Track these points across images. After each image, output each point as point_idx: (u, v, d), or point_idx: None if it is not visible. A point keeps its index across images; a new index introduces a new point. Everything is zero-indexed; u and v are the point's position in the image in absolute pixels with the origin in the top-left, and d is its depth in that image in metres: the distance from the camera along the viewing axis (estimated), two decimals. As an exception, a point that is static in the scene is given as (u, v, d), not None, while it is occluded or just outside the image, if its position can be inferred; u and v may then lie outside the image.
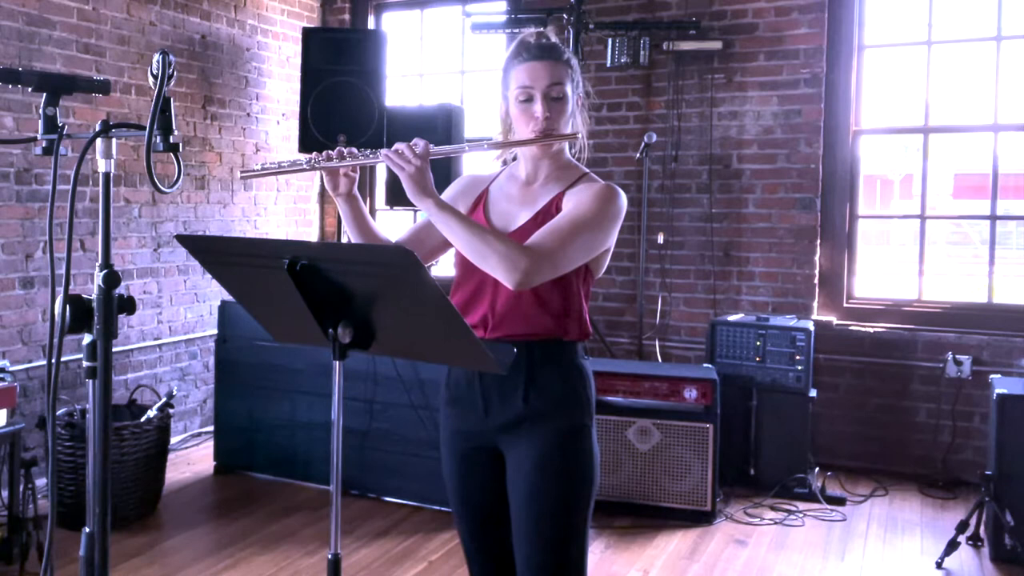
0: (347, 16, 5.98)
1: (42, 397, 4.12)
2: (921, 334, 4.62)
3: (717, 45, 4.90)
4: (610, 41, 4.90)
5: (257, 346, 4.30)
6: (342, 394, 1.67)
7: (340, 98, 4.95)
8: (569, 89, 1.90)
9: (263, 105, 5.52)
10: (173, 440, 4.65)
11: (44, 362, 4.13)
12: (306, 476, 4.27)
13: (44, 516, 3.23)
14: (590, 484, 1.88)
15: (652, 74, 5.11)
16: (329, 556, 1.66)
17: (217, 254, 1.75)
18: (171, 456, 4.28)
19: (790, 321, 4.44)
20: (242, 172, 1.95)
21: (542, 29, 1.97)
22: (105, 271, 1.58)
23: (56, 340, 1.56)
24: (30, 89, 1.66)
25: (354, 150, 1.89)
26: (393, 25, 6.10)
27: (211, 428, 4.74)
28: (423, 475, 3.94)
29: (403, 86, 5.99)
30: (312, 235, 5.99)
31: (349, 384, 3.99)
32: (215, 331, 4.67)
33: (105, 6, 4.45)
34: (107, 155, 1.63)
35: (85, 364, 1.60)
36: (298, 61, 5.24)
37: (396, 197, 5.05)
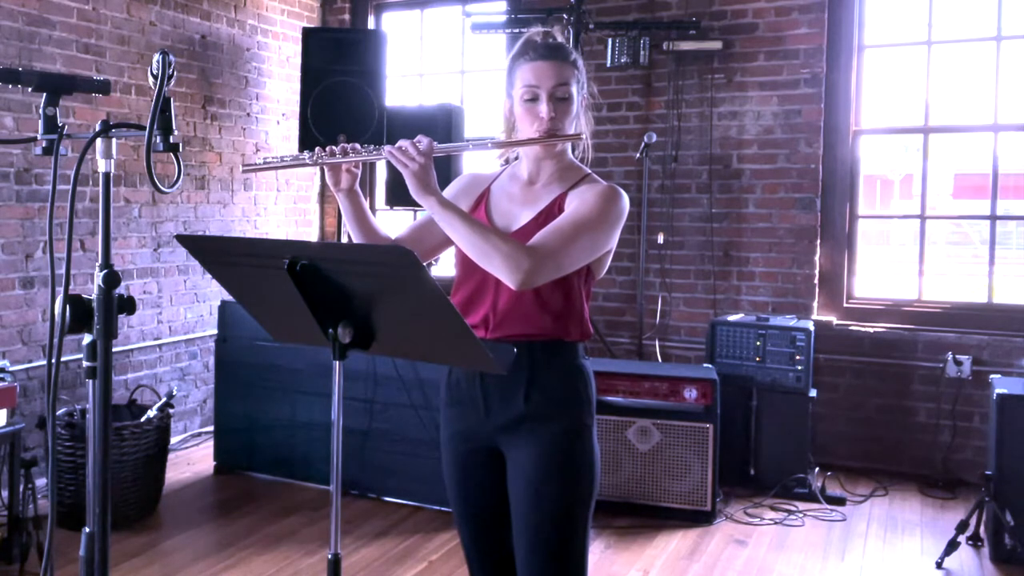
0: (347, 16, 5.98)
1: (42, 397, 4.12)
2: (921, 334, 4.62)
3: (717, 45, 4.90)
4: (610, 41, 4.90)
5: (257, 346, 4.30)
6: (342, 394, 1.67)
7: (340, 98, 4.95)
8: (575, 90, 1.90)
9: (263, 105, 5.52)
10: (173, 440, 4.65)
11: (44, 362, 4.13)
12: (306, 476, 4.27)
13: (44, 516, 3.23)
14: (591, 484, 1.88)
15: (652, 74, 5.11)
16: (329, 556, 1.66)
17: (217, 254, 1.75)
18: (171, 456, 4.28)
19: (790, 321, 4.45)
20: (244, 165, 1.95)
21: (549, 29, 1.96)
22: (105, 271, 1.58)
23: (56, 340, 1.56)
24: (30, 89, 1.66)
25: (357, 146, 1.88)
26: (393, 25, 6.10)
27: (211, 428, 4.74)
28: (423, 475, 3.94)
29: (403, 86, 5.99)
30: (312, 235, 5.99)
31: (349, 384, 3.99)
32: (215, 331, 4.67)
33: (105, 6, 4.45)
34: (107, 155, 1.63)
35: (85, 364, 1.60)
36: (298, 61, 5.24)
37: (396, 197, 5.05)
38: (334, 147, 1.88)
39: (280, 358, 4.27)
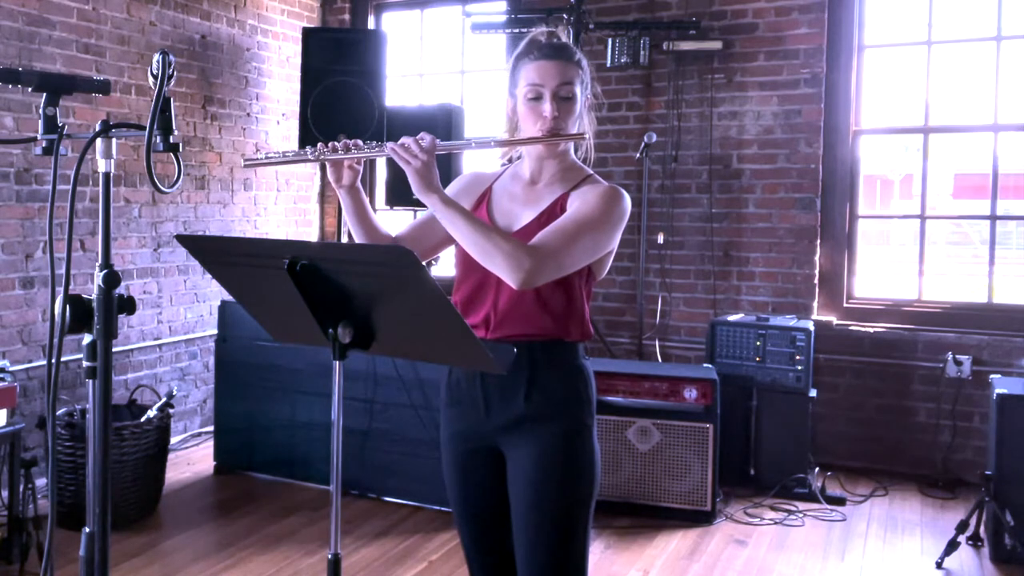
0: (347, 16, 5.98)
1: (42, 397, 4.12)
2: (921, 334, 4.62)
3: (717, 45, 4.90)
4: (610, 41, 4.90)
5: (257, 346, 4.30)
6: (342, 394, 1.67)
7: (340, 98, 4.96)
8: (578, 90, 1.90)
9: (263, 105, 5.52)
10: (173, 440, 4.65)
11: (44, 362, 4.13)
12: (306, 476, 4.27)
13: (44, 516, 3.23)
14: (591, 484, 1.88)
15: (652, 74, 5.11)
16: (329, 556, 1.66)
17: (217, 254, 1.75)
18: (171, 456, 4.27)
19: (790, 321, 4.44)
20: (245, 160, 1.95)
21: (553, 29, 1.96)
22: (105, 271, 1.58)
23: (56, 340, 1.56)
24: (30, 89, 1.66)
25: (359, 142, 1.87)
26: (393, 25, 6.10)
27: (211, 428, 4.74)
28: (423, 475, 3.94)
29: (403, 86, 5.99)
30: (312, 235, 5.99)
31: (349, 384, 3.99)
32: (215, 331, 4.67)
33: (105, 6, 4.45)
34: (107, 155, 1.63)
35: (85, 364, 1.59)
36: (298, 61, 5.24)
37: (396, 196, 5.05)
38: (336, 143, 1.87)
39: (280, 358, 4.27)
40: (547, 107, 1.86)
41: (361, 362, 4.01)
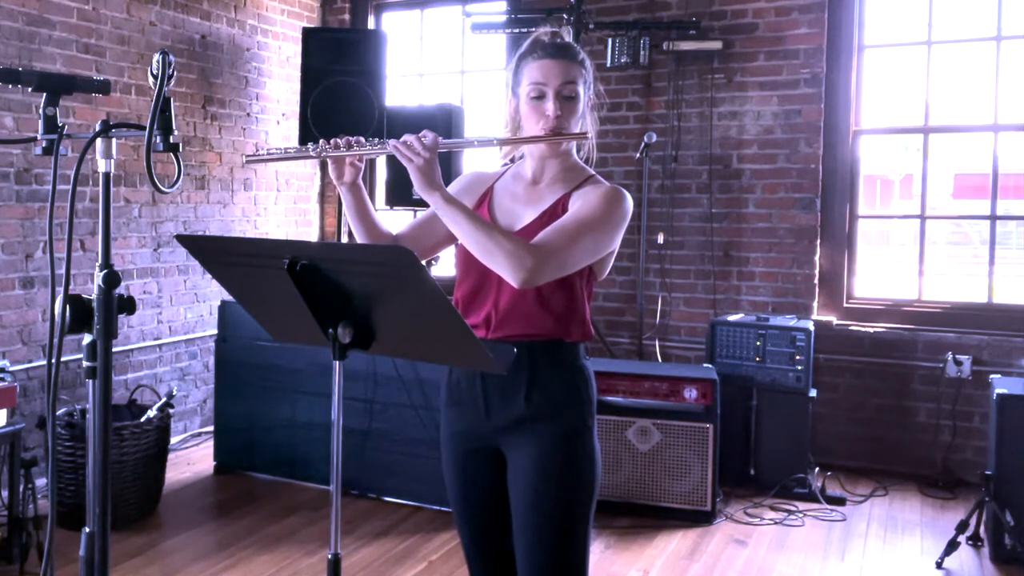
0: (347, 16, 5.98)
1: (42, 397, 4.12)
2: (921, 334, 4.62)
3: (717, 45, 4.90)
4: (610, 41, 4.90)
5: (257, 346, 4.30)
6: (342, 394, 1.67)
7: (340, 98, 4.96)
8: (581, 89, 1.90)
9: (263, 105, 5.52)
10: (173, 440, 4.65)
11: (44, 362, 4.13)
12: (306, 476, 4.27)
13: (44, 516, 3.23)
14: (591, 485, 1.88)
15: (652, 74, 5.11)
16: (329, 556, 1.66)
17: (217, 254, 1.75)
18: (171, 456, 4.27)
19: (790, 321, 4.44)
20: (246, 157, 1.94)
21: (557, 29, 1.97)
22: (105, 271, 1.58)
23: (56, 340, 1.56)
24: (30, 89, 1.66)
25: (361, 139, 1.86)
26: (393, 25, 6.10)
27: (211, 428, 4.74)
28: (423, 475, 3.94)
29: (403, 86, 5.99)
30: (312, 235, 5.99)
31: (349, 384, 3.99)
32: (215, 331, 4.67)
33: (105, 6, 4.45)
34: (107, 155, 1.63)
35: (85, 364, 1.59)
36: (298, 61, 5.24)
37: (396, 196, 5.05)
38: (338, 140, 1.86)
39: (280, 358, 4.27)
40: (550, 106, 1.86)
41: (361, 362, 4.01)
